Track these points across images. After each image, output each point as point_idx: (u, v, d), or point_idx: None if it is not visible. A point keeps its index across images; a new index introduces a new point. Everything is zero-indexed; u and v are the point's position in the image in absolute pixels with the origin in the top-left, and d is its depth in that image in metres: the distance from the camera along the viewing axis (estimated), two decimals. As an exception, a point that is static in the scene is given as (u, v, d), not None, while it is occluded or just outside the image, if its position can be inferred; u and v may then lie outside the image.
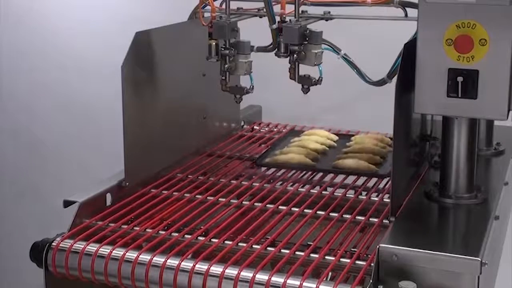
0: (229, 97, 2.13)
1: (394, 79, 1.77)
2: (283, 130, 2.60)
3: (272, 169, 2.26)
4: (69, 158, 3.43)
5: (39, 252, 1.72)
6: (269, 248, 1.71)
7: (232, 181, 2.13)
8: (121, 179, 1.99)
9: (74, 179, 3.25)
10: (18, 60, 3.44)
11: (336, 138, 2.41)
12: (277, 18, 1.99)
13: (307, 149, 2.26)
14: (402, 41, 1.74)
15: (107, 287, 1.71)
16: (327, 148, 2.32)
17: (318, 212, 1.90)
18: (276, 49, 2.02)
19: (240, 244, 1.73)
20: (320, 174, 2.20)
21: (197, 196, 2.02)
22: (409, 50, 1.71)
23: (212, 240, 1.75)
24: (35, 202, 3.54)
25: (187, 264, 1.62)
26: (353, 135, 2.42)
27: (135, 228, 1.82)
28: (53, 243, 1.73)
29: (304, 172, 2.22)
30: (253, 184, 2.11)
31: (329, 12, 2.10)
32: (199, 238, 1.77)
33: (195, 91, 2.30)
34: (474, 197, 1.82)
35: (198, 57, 2.09)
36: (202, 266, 1.61)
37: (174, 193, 2.04)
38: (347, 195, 2.02)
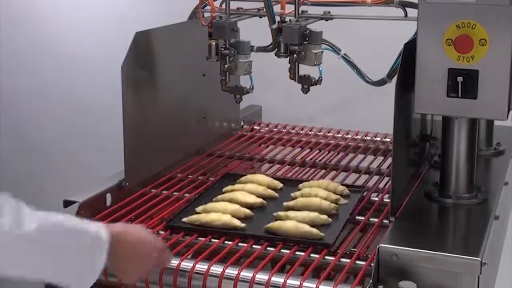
0: (229, 97, 2.13)
1: (394, 79, 1.77)
2: (283, 130, 2.60)
3: (277, 165, 2.26)
4: (69, 158, 3.43)
5: (39, 252, 1.72)
6: (269, 248, 1.70)
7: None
8: (121, 179, 1.99)
9: (74, 179, 3.25)
10: (17, 60, 3.44)
11: (280, 185, 2.04)
12: (277, 18, 1.99)
13: (238, 205, 1.86)
14: (402, 41, 1.74)
15: (107, 287, 1.70)
16: (264, 202, 1.92)
17: (318, 212, 1.90)
18: (276, 49, 2.02)
19: (240, 244, 1.73)
20: (322, 172, 2.20)
21: (197, 196, 2.02)
22: (409, 50, 1.71)
23: (212, 240, 1.75)
24: (35, 202, 3.53)
25: (187, 264, 1.62)
26: (302, 181, 2.05)
27: (135, 228, 1.82)
28: (53, 243, 1.72)
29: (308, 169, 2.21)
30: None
31: (329, 12, 2.10)
32: (199, 238, 1.76)
33: (195, 91, 2.30)
34: (474, 197, 1.82)
35: (198, 57, 2.09)
36: (202, 266, 1.61)
37: (174, 193, 2.03)
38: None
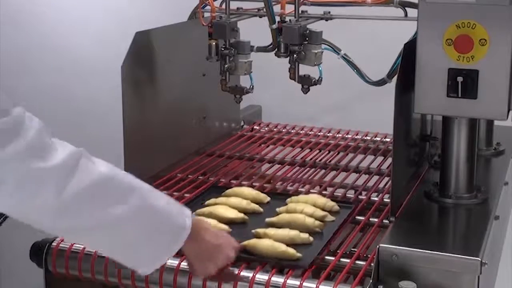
0: (229, 97, 2.13)
1: (394, 79, 1.77)
2: (283, 130, 2.60)
3: (277, 165, 2.27)
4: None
5: (39, 252, 1.72)
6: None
7: (232, 181, 2.13)
8: (121, 179, 1.99)
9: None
10: (17, 60, 3.44)
11: (267, 199, 1.94)
12: (277, 18, 1.99)
13: (217, 220, 1.77)
14: (402, 41, 1.74)
15: (107, 287, 1.70)
16: (246, 218, 1.82)
17: (318, 212, 1.90)
18: (276, 49, 2.02)
19: (240, 244, 1.73)
20: (322, 172, 2.21)
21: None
22: (409, 50, 1.71)
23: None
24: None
25: (187, 264, 1.61)
26: (291, 195, 1.94)
27: (135, 228, 1.82)
28: (53, 243, 1.72)
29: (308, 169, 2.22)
30: (253, 184, 2.10)
31: (329, 12, 2.10)
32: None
33: (195, 91, 2.30)
34: (474, 197, 1.82)
35: (198, 57, 2.09)
36: (202, 266, 1.60)
37: (174, 193, 2.03)
38: (347, 195, 2.02)
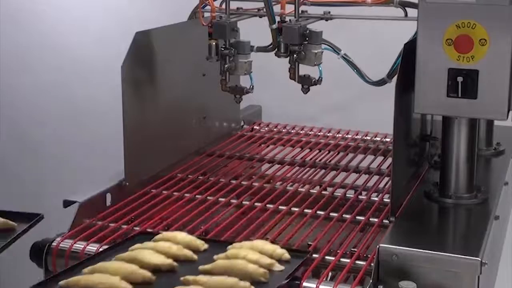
0: (229, 97, 2.13)
1: (394, 79, 1.77)
2: (283, 130, 2.60)
3: (277, 165, 2.27)
4: (69, 158, 3.43)
5: (39, 252, 1.72)
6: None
7: (232, 181, 2.13)
8: (121, 179, 1.99)
9: (74, 179, 3.25)
10: (17, 60, 3.44)
11: (204, 246, 1.64)
12: (277, 18, 1.99)
13: (138, 266, 1.50)
14: (402, 41, 1.74)
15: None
16: (175, 264, 1.54)
17: (318, 212, 1.90)
18: (276, 49, 2.02)
19: (240, 244, 1.71)
20: (322, 172, 2.21)
21: (197, 196, 2.02)
22: (409, 50, 1.71)
23: (212, 240, 1.74)
24: (35, 202, 3.53)
25: (186, 264, 1.60)
26: (231, 243, 1.64)
27: (135, 228, 1.82)
28: (53, 243, 1.72)
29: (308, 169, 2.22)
30: (253, 184, 2.11)
31: (329, 12, 2.10)
32: (199, 238, 1.75)
33: (195, 91, 2.30)
34: (474, 197, 1.82)
35: (198, 57, 2.09)
36: (201, 266, 1.59)
37: (174, 193, 2.03)
38: (347, 195, 2.03)
